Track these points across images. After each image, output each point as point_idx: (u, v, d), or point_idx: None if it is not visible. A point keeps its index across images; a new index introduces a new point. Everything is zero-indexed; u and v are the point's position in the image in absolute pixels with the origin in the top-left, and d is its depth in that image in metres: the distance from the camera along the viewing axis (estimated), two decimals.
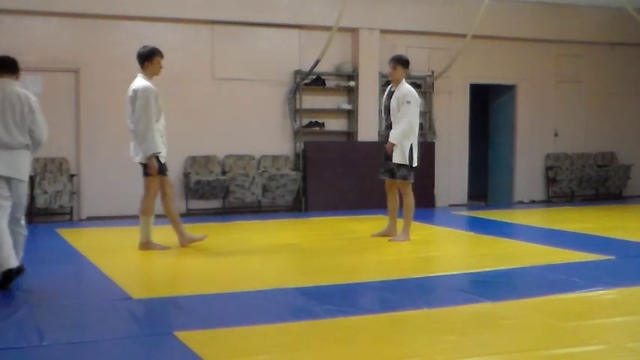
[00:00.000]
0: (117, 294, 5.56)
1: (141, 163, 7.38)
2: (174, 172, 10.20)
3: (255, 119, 11.23)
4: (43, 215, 10.00)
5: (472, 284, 6.13)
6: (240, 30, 11.14)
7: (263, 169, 11.20)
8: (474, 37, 11.50)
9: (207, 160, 10.99)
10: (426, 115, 12.11)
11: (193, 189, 10.59)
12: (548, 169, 13.25)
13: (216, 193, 10.77)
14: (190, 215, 10.60)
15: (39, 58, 9.97)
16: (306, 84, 11.38)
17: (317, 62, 10.86)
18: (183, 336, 4.41)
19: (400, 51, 10.55)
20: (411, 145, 8.03)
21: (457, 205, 12.43)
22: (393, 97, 8.09)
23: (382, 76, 11.49)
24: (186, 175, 10.76)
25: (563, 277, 6.23)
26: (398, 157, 8.01)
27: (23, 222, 6.23)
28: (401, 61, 8.16)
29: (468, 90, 12.66)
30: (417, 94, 8.16)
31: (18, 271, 5.92)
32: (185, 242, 7.62)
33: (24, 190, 6.17)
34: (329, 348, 4.29)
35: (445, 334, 4.53)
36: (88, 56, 10.29)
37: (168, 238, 7.63)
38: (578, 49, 13.34)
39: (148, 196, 7.45)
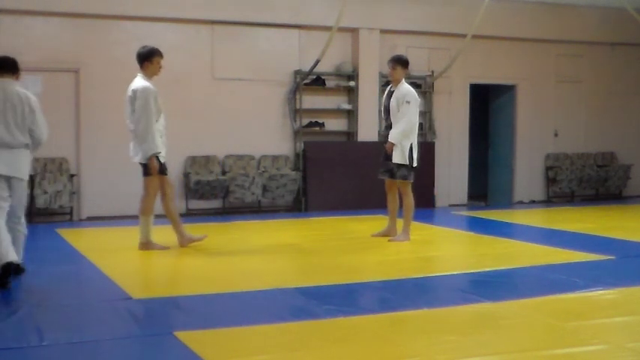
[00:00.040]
0: (117, 294, 5.56)
1: (140, 163, 7.38)
2: (174, 172, 10.21)
3: (255, 119, 11.23)
4: (43, 215, 10.00)
5: (472, 284, 6.13)
6: (240, 30, 11.14)
7: (263, 169, 11.20)
8: (474, 37, 11.51)
9: (207, 160, 10.99)
10: (426, 115, 12.11)
11: (193, 189, 10.59)
12: (548, 169, 13.25)
13: (216, 193, 10.77)
14: (190, 215, 10.60)
15: (39, 58, 9.97)
16: (306, 84, 11.38)
17: (317, 62, 10.86)
18: (183, 336, 4.41)
19: (400, 51, 10.54)
20: (411, 144, 8.04)
21: (457, 205, 12.43)
22: (393, 97, 8.09)
23: (382, 76, 11.49)
24: (186, 175, 10.76)
25: (563, 277, 6.23)
26: (398, 157, 8.01)
27: (23, 221, 6.24)
28: (400, 61, 8.16)
29: (468, 90, 12.66)
30: (416, 94, 8.16)
31: (17, 269, 5.93)
32: (185, 242, 7.63)
33: (24, 189, 6.18)
34: (329, 348, 4.29)
35: (445, 334, 4.53)
36: (88, 56, 10.29)
37: (168, 238, 7.63)
38: (578, 49, 13.34)
39: (147, 196, 7.45)
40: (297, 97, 11.38)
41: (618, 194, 13.74)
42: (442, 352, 4.15)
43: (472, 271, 6.61)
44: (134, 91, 7.24)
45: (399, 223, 8.24)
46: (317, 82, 11.52)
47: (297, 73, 11.32)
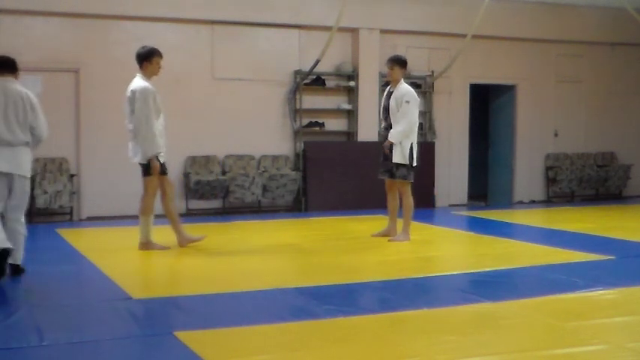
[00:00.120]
0: (117, 294, 5.56)
1: (140, 163, 7.38)
2: (175, 172, 10.20)
3: (255, 119, 11.23)
4: (43, 215, 10.00)
5: (472, 284, 6.13)
6: (240, 30, 11.14)
7: (263, 169, 11.20)
8: (474, 37, 11.50)
9: (207, 160, 10.99)
10: (426, 115, 12.11)
11: (193, 189, 10.59)
12: (548, 169, 13.25)
13: (216, 193, 10.77)
14: (190, 215, 10.60)
15: (39, 58, 9.98)
16: (306, 84, 11.38)
17: (317, 62, 10.86)
18: (183, 336, 4.41)
19: (400, 51, 10.55)
20: (411, 144, 8.04)
21: (457, 205, 12.43)
22: (392, 97, 8.09)
23: (382, 76, 11.48)
24: (186, 175, 10.76)
25: (563, 277, 6.23)
26: (398, 157, 8.01)
27: (23, 221, 6.25)
28: (398, 61, 8.16)
29: (468, 90, 12.66)
30: (415, 94, 8.16)
31: (17, 269, 5.96)
32: (184, 242, 7.63)
33: (26, 186, 6.21)
34: (329, 348, 4.29)
35: (445, 334, 4.53)
36: (88, 56, 10.29)
37: (168, 238, 7.63)
38: (578, 49, 13.34)
39: (147, 196, 7.45)
40: (297, 97, 11.38)
41: (618, 194, 13.74)
42: (442, 352, 4.15)
43: (472, 271, 6.61)
44: (133, 92, 7.25)
45: (399, 223, 8.24)
46: (317, 82, 11.52)
47: (297, 73, 11.32)
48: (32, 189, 9.49)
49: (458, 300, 5.42)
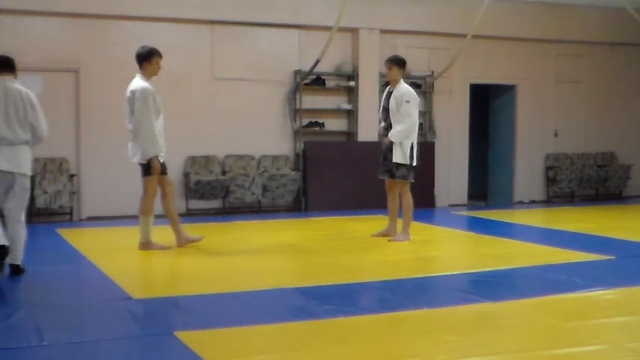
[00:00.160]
0: (117, 294, 5.56)
1: (139, 163, 7.38)
2: (175, 172, 10.21)
3: (255, 119, 11.23)
4: (43, 215, 10.00)
5: (472, 284, 6.13)
6: (240, 30, 11.14)
7: (263, 169, 11.20)
8: (474, 37, 11.50)
9: (207, 160, 10.99)
10: (426, 115, 12.11)
11: (193, 189, 10.59)
12: (548, 169, 13.25)
13: (216, 193, 10.77)
14: (190, 215, 10.60)
15: (39, 58, 9.98)
16: (306, 84, 11.38)
17: (317, 62, 10.86)
18: (183, 336, 4.41)
19: (400, 51, 10.55)
20: (412, 144, 8.04)
21: (457, 205, 12.43)
22: (392, 97, 8.09)
23: (382, 76, 11.46)
24: (186, 175, 10.76)
25: (563, 277, 6.23)
26: (398, 157, 8.01)
27: (23, 220, 6.25)
28: (396, 62, 8.16)
29: (468, 90, 12.66)
30: (415, 93, 8.16)
31: (17, 269, 5.96)
32: (182, 242, 7.62)
33: (27, 185, 6.22)
34: (329, 348, 4.29)
35: (445, 334, 4.53)
36: (88, 56, 10.29)
37: (167, 238, 7.62)
38: (578, 49, 13.34)
39: (146, 195, 7.45)
40: (297, 97, 11.38)
41: (618, 194, 13.74)
42: (442, 352, 4.15)
43: (472, 271, 6.61)
44: (132, 92, 7.25)
45: (399, 223, 8.24)
46: (317, 82, 11.52)
47: (297, 73, 11.32)
48: (32, 189, 9.50)
49: (458, 300, 5.42)
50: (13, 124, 6.06)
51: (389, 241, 8.13)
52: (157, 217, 7.69)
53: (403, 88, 8.10)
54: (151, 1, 10.56)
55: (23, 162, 6.15)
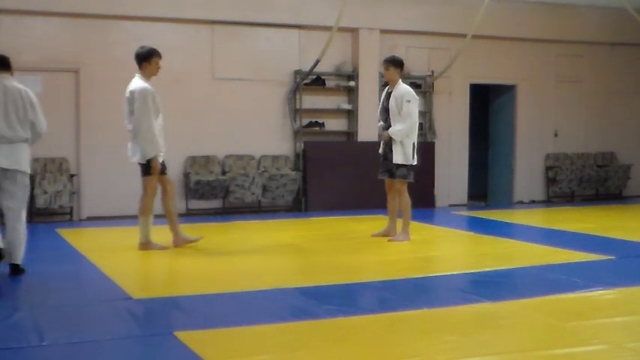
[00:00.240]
0: (117, 294, 5.56)
1: (139, 163, 7.38)
2: (175, 172, 10.21)
3: (255, 119, 11.23)
4: (43, 215, 10.00)
5: (472, 284, 6.13)
6: (240, 30, 11.14)
7: (263, 169, 11.20)
8: (474, 37, 11.50)
9: (207, 160, 10.99)
10: (426, 115, 12.11)
11: (193, 189, 10.59)
12: (548, 169, 13.25)
13: (216, 193, 10.77)
14: (190, 215, 10.61)
15: (39, 58, 9.98)
16: (306, 84, 11.38)
17: (317, 62, 10.86)
18: (183, 336, 4.41)
19: (400, 51, 10.56)
20: (412, 143, 8.04)
21: (457, 205, 12.43)
22: (391, 97, 8.10)
23: (382, 76, 11.38)
24: (186, 175, 10.76)
25: (563, 277, 6.23)
26: (399, 157, 8.01)
27: (24, 219, 6.25)
28: (393, 62, 8.16)
29: (468, 90, 12.66)
30: (414, 93, 8.17)
31: (17, 269, 5.96)
32: (180, 242, 7.62)
33: (26, 182, 6.23)
34: (329, 348, 4.29)
35: (445, 334, 4.53)
36: (88, 56, 10.29)
37: (167, 238, 7.62)
38: (578, 49, 13.34)
39: (146, 195, 7.45)
40: (297, 97, 11.38)
41: (618, 194, 13.74)
42: (442, 352, 4.15)
43: (472, 271, 6.61)
44: (132, 92, 7.25)
45: (399, 223, 8.24)
46: (317, 82, 11.52)
47: (297, 73, 11.32)
48: (32, 189, 9.52)
49: (458, 300, 5.42)
50: (13, 123, 6.08)
51: (389, 241, 8.13)
52: (157, 217, 7.69)
53: (403, 88, 8.11)
54: (150, 1, 10.55)
55: (22, 160, 6.17)
